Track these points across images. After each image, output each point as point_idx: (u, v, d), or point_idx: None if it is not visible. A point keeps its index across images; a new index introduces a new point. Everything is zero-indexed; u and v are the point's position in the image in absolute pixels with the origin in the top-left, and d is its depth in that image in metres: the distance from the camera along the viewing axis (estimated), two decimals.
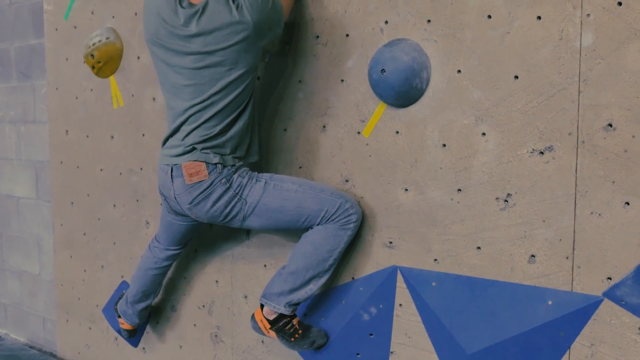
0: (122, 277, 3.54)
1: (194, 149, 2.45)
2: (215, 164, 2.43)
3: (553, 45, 2.10)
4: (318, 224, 2.46)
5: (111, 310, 3.54)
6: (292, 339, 2.60)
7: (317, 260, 2.46)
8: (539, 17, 2.12)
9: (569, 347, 2.13)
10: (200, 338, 3.20)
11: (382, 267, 2.54)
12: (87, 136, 3.63)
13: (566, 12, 2.07)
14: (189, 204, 2.49)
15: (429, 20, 2.35)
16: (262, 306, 2.60)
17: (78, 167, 3.71)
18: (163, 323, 3.36)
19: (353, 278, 2.62)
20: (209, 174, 2.43)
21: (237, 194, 2.45)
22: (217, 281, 3.09)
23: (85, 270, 3.75)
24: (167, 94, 2.54)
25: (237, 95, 2.41)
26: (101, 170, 3.57)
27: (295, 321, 2.60)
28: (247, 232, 2.94)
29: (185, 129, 2.47)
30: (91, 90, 3.57)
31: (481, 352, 2.23)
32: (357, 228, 2.50)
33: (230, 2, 2.33)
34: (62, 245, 3.89)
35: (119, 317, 3.21)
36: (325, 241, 2.45)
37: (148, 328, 3.44)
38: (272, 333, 2.62)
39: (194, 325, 3.22)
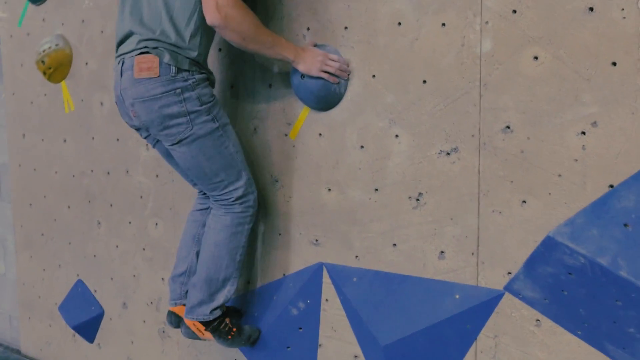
0: (78, 275, 3.64)
1: (146, 46, 2.35)
2: (168, 64, 2.32)
3: (456, 51, 2.20)
4: (219, 195, 2.49)
5: (67, 308, 3.65)
6: (230, 337, 2.68)
7: (226, 261, 2.54)
8: (443, 24, 2.22)
9: (475, 339, 2.24)
10: (149, 334, 3.31)
11: (309, 264, 2.64)
12: (42, 140, 3.73)
13: (467, 19, 2.17)
14: (133, 98, 2.36)
15: (346, 27, 2.45)
16: None
17: (35, 169, 3.81)
18: (115, 319, 3.47)
19: (284, 275, 2.72)
20: (160, 73, 2.31)
21: (188, 115, 2.35)
22: (162, 278, 3.20)
23: (44, 270, 3.86)
24: None
25: None
26: (56, 172, 3.68)
27: (227, 320, 2.69)
28: None
29: (140, 28, 2.38)
30: (45, 95, 3.67)
31: (394, 344, 2.34)
32: (252, 222, 2.58)
33: None
34: (22, 246, 3.99)
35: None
36: (228, 240, 2.52)
37: (102, 324, 3.55)
38: (208, 334, 2.67)
39: (144, 321, 3.33)
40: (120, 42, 2.47)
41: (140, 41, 2.36)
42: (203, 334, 2.67)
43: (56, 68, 3.47)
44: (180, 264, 2.80)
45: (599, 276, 1.69)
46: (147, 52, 2.34)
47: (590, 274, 1.71)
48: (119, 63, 2.43)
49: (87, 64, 3.39)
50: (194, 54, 2.37)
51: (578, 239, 1.72)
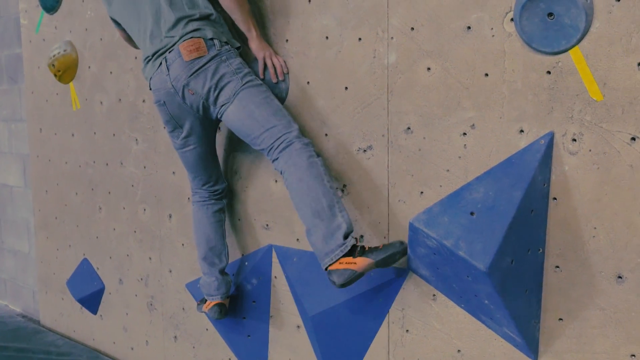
0: (84, 254, 4.12)
1: (186, 34, 2.60)
2: (212, 38, 2.61)
3: (369, 62, 2.54)
4: (275, 142, 2.57)
5: (74, 283, 4.13)
6: (381, 246, 2.43)
7: (320, 190, 2.47)
8: (360, 39, 2.56)
9: (388, 311, 2.59)
10: (140, 306, 3.76)
11: (261, 245, 3.03)
12: (55, 134, 4.21)
13: (378, 35, 2.51)
14: (187, 77, 2.59)
15: (287, 40, 2.81)
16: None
17: (50, 160, 4.30)
18: (114, 294, 3.93)
19: (242, 255, 3.12)
20: (207, 49, 2.59)
21: (236, 73, 2.61)
22: (150, 258, 3.64)
23: (57, 249, 4.35)
24: (132, 21, 2.78)
25: None
26: (66, 163, 4.16)
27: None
28: (169, 216, 3.47)
29: (165, 26, 2.64)
30: (57, 94, 4.15)
31: (319, 314, 2.70)
32: (319, 156, 2.60)
33: None
34: (40, 227, 4.51)
35: (204, 301, 3.08)
36: (308, 171, 2.50)
37: (103, 298, 4.02)
38: (361, 259, 2.36)
39: (136, 295, 3.78)
40: (150, 48, 2.71)
41: (180, 34, 2.61)
42: (356, 264, 2.36)
43: (64, 71, 3.94)
44: (217, 260, 2.96)
45: (449, 256, 2.02)
46: (190, 38, 2.60)
47: (444, 254, 2.04)
48: (160, 64, 2.67)
49: (89, 67, 3.85)
50: (224, 28, 2.72)
51: (431, 225, 2.05)
